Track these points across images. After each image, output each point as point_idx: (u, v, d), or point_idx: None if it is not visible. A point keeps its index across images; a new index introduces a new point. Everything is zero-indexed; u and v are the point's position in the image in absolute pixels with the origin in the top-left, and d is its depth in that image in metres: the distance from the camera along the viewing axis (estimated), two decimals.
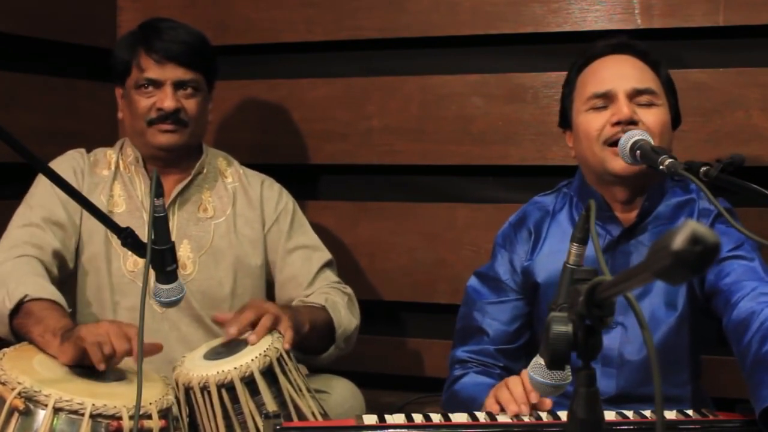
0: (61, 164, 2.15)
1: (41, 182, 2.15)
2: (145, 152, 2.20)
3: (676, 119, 1.96)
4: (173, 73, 2.13)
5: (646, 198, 1.90)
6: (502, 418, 1.64)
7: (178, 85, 2.14)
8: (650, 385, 1.87)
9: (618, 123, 1.84)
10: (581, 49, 2.05)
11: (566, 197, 2.03)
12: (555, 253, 1.93)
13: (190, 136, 2.19)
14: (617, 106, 1.86)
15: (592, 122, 1.89)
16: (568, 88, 1.98)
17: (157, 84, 2.13)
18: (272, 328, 1.90)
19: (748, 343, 1.63)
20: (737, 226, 1.65)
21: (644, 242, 1.91)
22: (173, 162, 2.20)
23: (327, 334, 2.13)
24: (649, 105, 1.87)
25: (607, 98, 1.88)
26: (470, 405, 1.82)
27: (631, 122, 1.84)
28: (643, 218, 1.91)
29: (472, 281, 2.08)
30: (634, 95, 1.86)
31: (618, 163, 1.84)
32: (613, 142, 1.85)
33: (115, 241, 2.08)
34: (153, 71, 2.12)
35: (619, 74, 1.88)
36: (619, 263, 1.90)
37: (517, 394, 1.66)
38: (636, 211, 1.91)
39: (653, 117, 1.86)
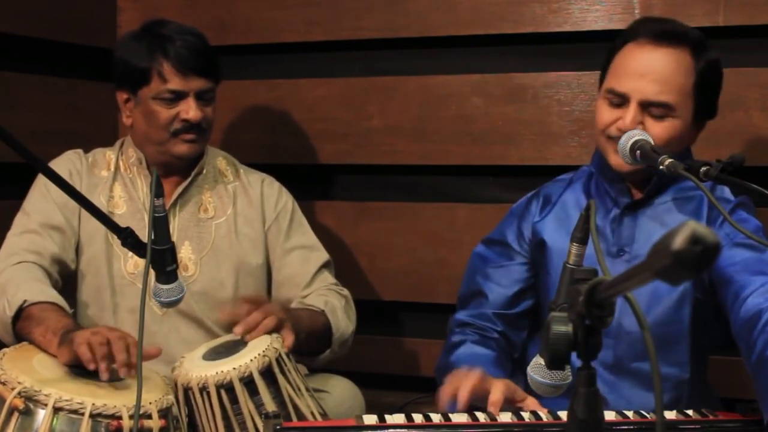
0: (58, 166, 2.12)
1: (36, 188, 2.15)
2: (159, 159, 2.17)
3: (706, 114, 1.92)
4: (196, 83, 2.12)
5: (657, 175, 1.90)
6: (502, 418, 1.64)
7: (199, 95, 2.13)
8: (646, 360, 1.87)
9: (621, 129, 1.85)
10: (581, 49, 2.05)
11: (584, 173, 2.06)
12: (563, 218, 1.98)
13: (206, 143, 2.22)
14: (626, 112, 1.85)
15: (602, 114, 1.90)
16: (608, 57, 1.95)
17: (181, 95, 2.11)
18: (274, 331, 1.91)
19: (755, 341, 1.63)
20: (738, 227, 1.65)
21: (651, 215, 1.92)
22: (181, 166, 2.20)
23: (324, 338, 2.14)
24: (661, 117, 1.85)
25: (622, 98, 1.87)
26: None
27: None
28: (652, 193, 1.93)
29: (479, 248, 2.11)
30: (647, 105, 1.85)
31: (617, 160, 1.86)
32: (616, 138, 1.87)
33: (116, 243, 2.08)
34: (177, 83, 2.10)
35: (641, 77, 1.84)
36: (624, 234, 1.92)
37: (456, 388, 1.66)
38: (647, 187, 1.93)
39: (660, 130, 1.84)
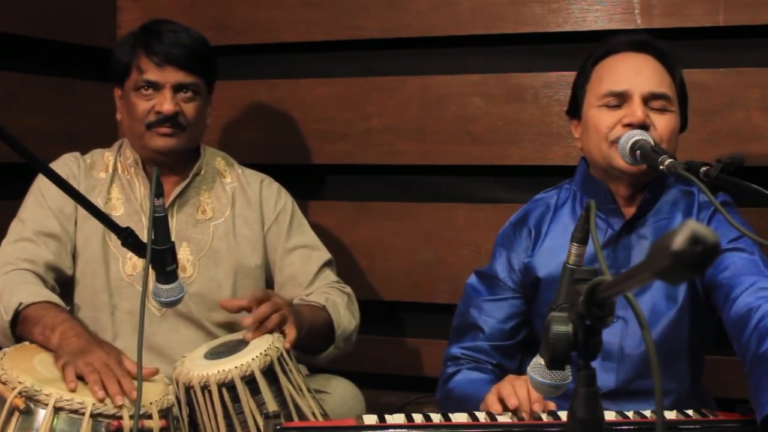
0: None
1: (32, 194, 2.14)
2: (143, 154, 2.18)
3: (683, 124, 1.95)
4: (173, 76, 2.11)
5: (647, 191, 1.91)
6: (502, 418, 1.64)
7: (178, 89, 2.12)
8: (648, 379, 1.87)
9: (630, 125, 1.84)
10: (581, 49, 2.05)
11: (569, 192, 2.04)
12: (556, 249, 1.94)
13: (188, 140, 2.18)
14: (631, 108, 1.85)
15: (603, 119, 1.89)
16: (582, 79, 1.97)
17: (157, 87, 2.10)
18: (278, 327, 1.91)
19: (747, 341, 1.64)
20: (735, 224, 1.65)
21: (645, 236, 1.92)
22: (171, 164, 2.19)
23: (326, 334, 2.14)
24: (663, 110, 1.87)
25: (621, 98, 1.87)
26: (465, 403, 1.82)
27: (643, 126, 1.84)
28: (644, 212, 1.92)
29: (472, 279, 2.09)
30: (649, 99, 1.86)
31: (623, 162, 1.85)
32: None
33: (114, 245, 2.08)
34: (152, 74, 2.10)
35: (636, 74, 1.87)
36: (620, 257, 1.91)
37: (521, 396, 1.66)
38: (637, 204, 1.92)
39: (665, 123, 1.86)
